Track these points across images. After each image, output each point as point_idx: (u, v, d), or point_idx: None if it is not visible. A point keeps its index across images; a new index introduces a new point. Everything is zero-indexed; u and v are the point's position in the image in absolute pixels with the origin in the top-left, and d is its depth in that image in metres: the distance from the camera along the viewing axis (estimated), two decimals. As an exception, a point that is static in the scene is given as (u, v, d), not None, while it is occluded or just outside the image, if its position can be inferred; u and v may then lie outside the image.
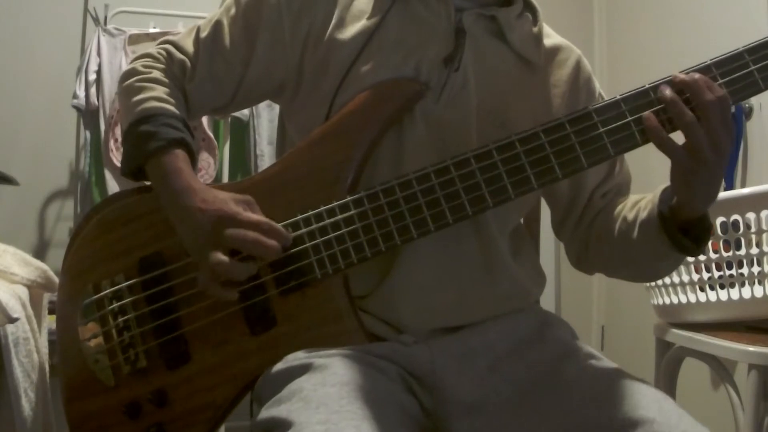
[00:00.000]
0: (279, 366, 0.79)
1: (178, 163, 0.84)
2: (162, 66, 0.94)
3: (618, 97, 0.81)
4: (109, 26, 2.28)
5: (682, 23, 2.38)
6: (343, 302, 0.84)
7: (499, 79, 0.91)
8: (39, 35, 2.51)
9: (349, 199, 0.83)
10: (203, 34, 0.94)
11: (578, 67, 0.98)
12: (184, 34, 0.97)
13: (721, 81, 0.79)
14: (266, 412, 0.72)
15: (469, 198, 0.81)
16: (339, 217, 0.83)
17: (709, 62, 0.80)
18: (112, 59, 2.23)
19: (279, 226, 0.81)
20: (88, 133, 2.24)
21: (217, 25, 0.94)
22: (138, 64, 0.94)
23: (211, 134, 2.28)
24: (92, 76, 2.19)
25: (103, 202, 0.94)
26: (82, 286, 0.89)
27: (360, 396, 0.71)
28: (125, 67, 2.26)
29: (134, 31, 2.28)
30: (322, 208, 0.83)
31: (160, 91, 0.90)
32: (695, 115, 0.76)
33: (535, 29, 0.95)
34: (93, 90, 2.19)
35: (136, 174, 0.88)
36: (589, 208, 0.98)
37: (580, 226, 0.99)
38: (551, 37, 0.98)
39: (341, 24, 0.90)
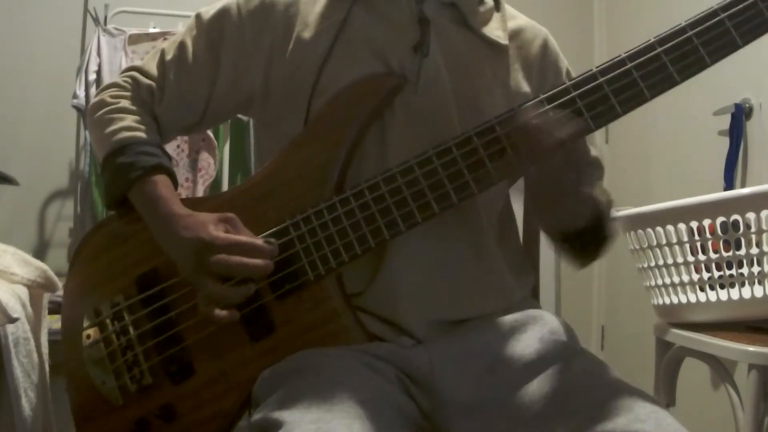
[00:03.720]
0: (275, 368, 0.80)
1: (158, 191, 0.87)
2: (129, 93, 0.95)
3: (594, 69, 0.81)
4: (109, 26, 2.29)
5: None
6: (339, 301, 0.84)
7: (469, 65, 0.92)
8: (39, 35, 2.51)
9: (335, 199, 0.84)
10: (168, 57, 0.96)
11: (545, 45, 0.98)
12: (148, 58, 0.99)
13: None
14: (260, 413, 0.73)
15: (453, 186, 0.82)
16: (327, 217, 0.84)
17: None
18: (112, 59, 2.23)
19: (260, 241, 0.82)
20: (88, 133, 2.24)
21: (181, 46, 0.96)
22: (105, 95, 0.96)
23: (211, 134, 2.29)
24: (92, 76, 2.20)
25: (98, 225, 0.96)
26: (84, 310, 0.90)
27: (354, 395, 0.71)
28: (124, 67, 2.26)
29: (134, 31, 2.28)
30: (310, 210, 0.84)
31: (130, 120, 0.92)
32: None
33: (498, 12, 0.96)
34: (93, 90, 2.19)
35: (120, 204, 0.91)
36: None
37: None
38: (516, 19, 0.99)
39: (304, 30, 0.91)
